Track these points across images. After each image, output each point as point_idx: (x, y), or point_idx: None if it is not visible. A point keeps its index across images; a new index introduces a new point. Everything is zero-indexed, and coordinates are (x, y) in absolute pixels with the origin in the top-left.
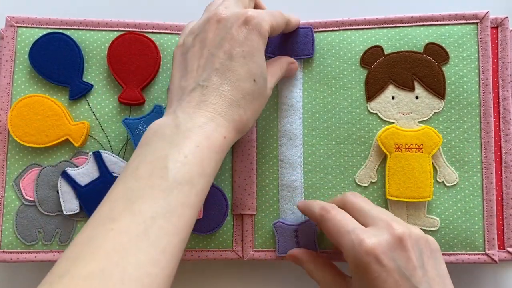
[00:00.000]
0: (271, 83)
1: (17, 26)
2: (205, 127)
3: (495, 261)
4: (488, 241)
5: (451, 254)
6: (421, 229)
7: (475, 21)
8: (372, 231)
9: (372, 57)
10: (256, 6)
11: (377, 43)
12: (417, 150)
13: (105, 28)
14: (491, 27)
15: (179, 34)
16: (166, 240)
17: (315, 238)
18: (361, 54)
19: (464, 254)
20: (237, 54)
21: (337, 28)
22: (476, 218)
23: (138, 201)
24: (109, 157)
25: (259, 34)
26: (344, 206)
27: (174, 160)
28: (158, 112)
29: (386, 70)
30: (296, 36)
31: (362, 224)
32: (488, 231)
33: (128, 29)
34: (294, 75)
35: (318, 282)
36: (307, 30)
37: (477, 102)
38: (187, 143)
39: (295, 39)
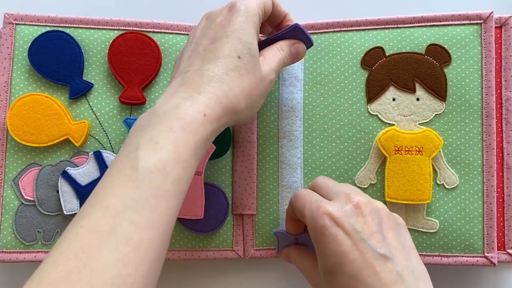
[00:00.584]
0: (271, 64)
1: (16, 24)
2: (179, 107)
3: (494, 264)
4: (487, 244)
5: (449, 256)
6: (420, 231)
7: (478, 21)
8: (332, 201)
9: (373, 58)
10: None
11: (379, 44)
12: (417, 152)
13: (105, 27)
14: (495, 27)
15: (180, 34)
16: (138, 235)
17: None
18: (362, 55)
19: (463, 256)
20: (220, 36)
21: (338, 29)
22: (476, 221)
23: (108, 195)
24: (110, 157)
25: (245, 15)
26: (313, 188)
27: (145, 148)
28: None
29: (387, 71)
30: (288, 37)
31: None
32: (487, 234)
33: (129, 28)
34: (302, 57)
35: (300, 270)
36: (294, 28)
37: (479, 104)
38: (159, 128)
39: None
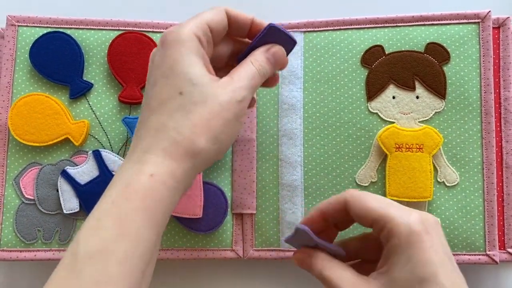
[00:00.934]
0: (239, 83)
1: (18, 25)
2: (123, 174)
3: (496, 262)
4: (489, 242)
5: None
6: None
7: (476, 20)
8: (416, 210)
9: (373, 56)
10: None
11: (378, 43)
12: (418, 150)
13: (105, 27)
14: (493, 27)
15: None
16: None
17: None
18: (362, 54)
19: (464, 254)
20: (158, 77)
21: (338, 28)
22: (477, 219)
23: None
24: (108, 156)
25: (177, 44)
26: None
27: (86, 229)
28: None
29: (387, 69)
30: (268, 41)
31: None
32: (489, 232)
33: (129, 28)
34: (287, 63)
35: (335, 281)
36: (270, 29)
37: (478, 102)
38: (102, 203)
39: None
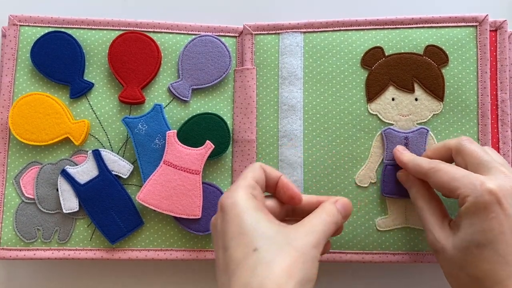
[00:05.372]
0: (318, 227)
1: (20, 25)
2: None
3: None
4: None
5: None
6: (420, 230)
7: (474, 24)
8: (491, 177)
9: (373, 58)
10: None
11: (378, 44)
12: None
13: (106, 27)
14: (490, 30)
15: (180, 33)
16: None
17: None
18: (362, 55)
19: None
20: (228, 241)
21: (338, 29)
22: None
23: None
24: (108, 156)
25: (236, 207)
26: (457, 152)
27: None
28: (158, 111)
29: (387, 71)
30: None
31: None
32: None
33: (130, 28)
34: None
35: (420, 208)
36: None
37: (475, 105)
38: None
39: None
